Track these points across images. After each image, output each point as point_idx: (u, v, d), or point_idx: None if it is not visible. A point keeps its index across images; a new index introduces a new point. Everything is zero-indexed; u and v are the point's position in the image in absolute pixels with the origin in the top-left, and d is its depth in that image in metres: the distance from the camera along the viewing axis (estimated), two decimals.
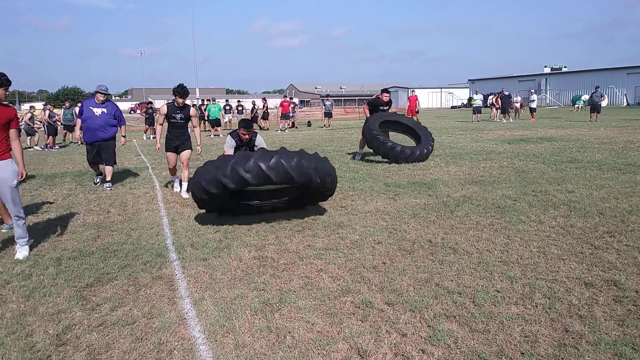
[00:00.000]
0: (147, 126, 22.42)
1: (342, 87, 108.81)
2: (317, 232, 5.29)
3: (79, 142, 8.97)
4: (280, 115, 24.89)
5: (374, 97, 11.77)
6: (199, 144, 7.82)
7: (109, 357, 2.87)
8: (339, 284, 3.81)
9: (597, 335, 2.89)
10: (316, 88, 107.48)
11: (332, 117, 26.81)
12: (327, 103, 26.07)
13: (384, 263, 4.24)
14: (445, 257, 4.32)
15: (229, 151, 6.36)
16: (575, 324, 3.05)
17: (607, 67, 51.66)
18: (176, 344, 2.99)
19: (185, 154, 7.63)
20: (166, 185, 8.53)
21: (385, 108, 11.40)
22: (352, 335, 3.00)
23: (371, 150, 10.85)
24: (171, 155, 7.64)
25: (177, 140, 7.55)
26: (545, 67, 65.06)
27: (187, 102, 7.70)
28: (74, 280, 4.07)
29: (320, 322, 3.19)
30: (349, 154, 12.46)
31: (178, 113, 7.38)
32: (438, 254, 4.43)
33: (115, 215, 6.49)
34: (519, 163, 9.73)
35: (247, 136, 6.37)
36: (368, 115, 11.23)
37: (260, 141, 6.52)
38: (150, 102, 24.60)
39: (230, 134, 6.56)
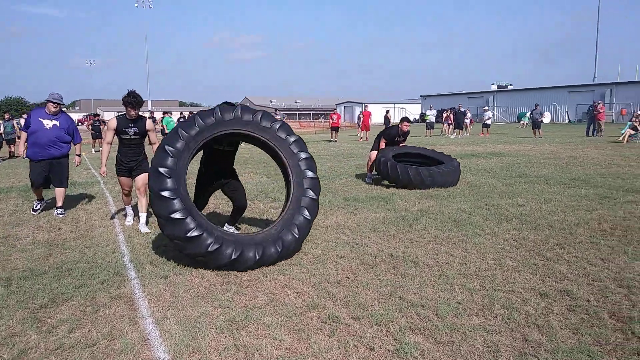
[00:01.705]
0: (94, 140, 21.76)
1: (297, 101, 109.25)
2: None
3: (23, 157, 7.41)
4: None
5: (392, 126, 10.35)
6: None
7: None
8: (304, 300, 3.81)
9: (554, 343, 3.02)
10: (271, 102, 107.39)
11: None
12: (277, 117, 25.68)
13: (348, 277, 4.28)
14: (407, 271, 4.40)
15: None
16: (533, 333, 3.17)
17: (550, 86, 54.30)
18: None
19: (142, 178, 6.25)
20: (121, 213, 8.17)
21: (401, 140, 10.04)
22: (321, 350, 3.01)
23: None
24: (125, 180, 6.37)
25: (132, 161, 6.25)
26: (492, 84, 67.66)
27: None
28: (26, 302, 3.89)
29: (287, 339, 3.18)
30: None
31: (131, 127, 6.08)
32: (400, 267, 4.52)
33: (67, 232, 6.25)
34: (471, 177, 10.05)
35: None
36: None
37: None
38: (97, 115, 23.81)
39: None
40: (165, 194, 4.33)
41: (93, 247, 5.49)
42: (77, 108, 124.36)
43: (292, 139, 5.08)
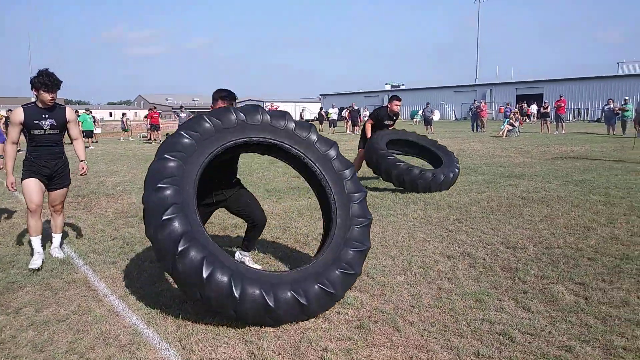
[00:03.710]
0: None
1: (195, 99, 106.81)
2: (217, 233, 5.70)
3: None
4: (149, 126, 24.05)
5: (381, 107, 9.24)
6: (82, 158, 5.03)
7: (55, 347, 3.04)
8: None
9: (462, 289, 3.82)
10: (167, 99, 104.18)
11: None
12: (182, 115, 24.73)
13: (287, 254, 4.84)
14: None
15: None
16: (445, 284, 3.96)
17: (438, 86, 58.47)
18: (119, 331, 3.25)
19: (62, 194, 4.95)
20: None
21: (390, 123, 8.87)
22: None
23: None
24: (35, 186, 4.64)
25: (50, 164, 4.71)
26: (386, 84, 71.11)
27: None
28: None
29: None
30: None
31: (46, 118, 4.58)
32: None
33: None
34: None
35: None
36: (369, 135, 8.70)
37: None
38: None
39: None
40: None
41: (27, 241, 5.51)
42: None
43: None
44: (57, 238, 5.09)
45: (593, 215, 6.02)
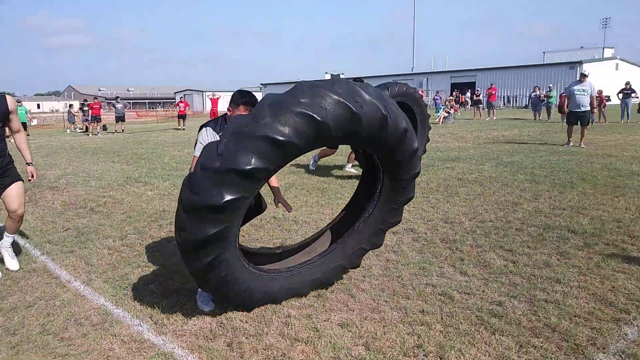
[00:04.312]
0: None
1: (130, 89, 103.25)
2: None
3: None
4: (90, 118, 23.04)
5: None
6: (29, 160, 4.36)
7: (28, 330, 3.16)
8: None
9: (407, 260, 4.22)
10: (100, 90, 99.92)
11: (124, 120, 25.12)
12: (119, 106, 24.05)
13: (243, 236, 5.08)
14: (290, 227, 5.35)
15: None
16: (392, 256, 4.35)
17: (377, 75, 59.69)
18: (89, 312, 3.40)
19: (17, 193, 4.19)
20: None
21: None
22: None
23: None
24: None
25: None
26: (326, 73, 71.61)
27: None
28: None
29: None
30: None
31: None
32: (283, 225, 5.44)
33: None
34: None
35: None
36: None
37: None
38: None
39: (209, 125, 3.49)
40: None
41: None
42: None
43: None
44: (8, 241, 4.38)
45: (520, 192, 6.64)
